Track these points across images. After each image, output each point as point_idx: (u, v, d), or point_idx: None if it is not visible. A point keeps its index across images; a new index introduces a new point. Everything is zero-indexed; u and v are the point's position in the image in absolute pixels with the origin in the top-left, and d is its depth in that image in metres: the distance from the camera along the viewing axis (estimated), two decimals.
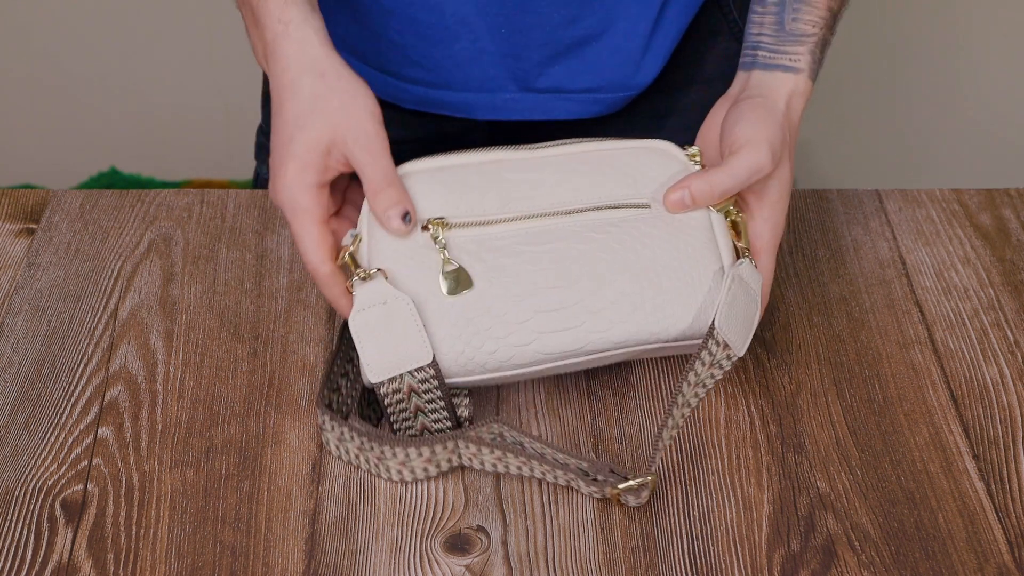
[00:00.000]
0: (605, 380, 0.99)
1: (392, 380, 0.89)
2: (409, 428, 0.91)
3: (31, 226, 1.12)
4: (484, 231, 0.92)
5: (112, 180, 2.29)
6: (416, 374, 0.89)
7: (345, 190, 0.95)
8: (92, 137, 2.27)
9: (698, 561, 0.86)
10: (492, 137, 1.17)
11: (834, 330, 1.03)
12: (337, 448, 0.92)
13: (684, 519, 0.89)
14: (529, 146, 0.96)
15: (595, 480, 0.89)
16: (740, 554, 0.87)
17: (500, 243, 0.92)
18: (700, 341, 0.91)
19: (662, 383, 0.99)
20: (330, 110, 0.92)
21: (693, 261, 0.93)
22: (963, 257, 1.10)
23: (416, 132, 1.15)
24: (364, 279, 0.90)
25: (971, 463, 0.93)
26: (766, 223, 0.96)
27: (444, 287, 0.90)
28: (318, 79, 0.93)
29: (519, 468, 0.90)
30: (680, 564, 0.86)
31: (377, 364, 0.89)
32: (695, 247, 0.93)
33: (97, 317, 1.03)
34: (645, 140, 0.98)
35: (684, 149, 0.97)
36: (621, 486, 0.88)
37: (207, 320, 1.03)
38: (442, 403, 0.90)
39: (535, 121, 1.12)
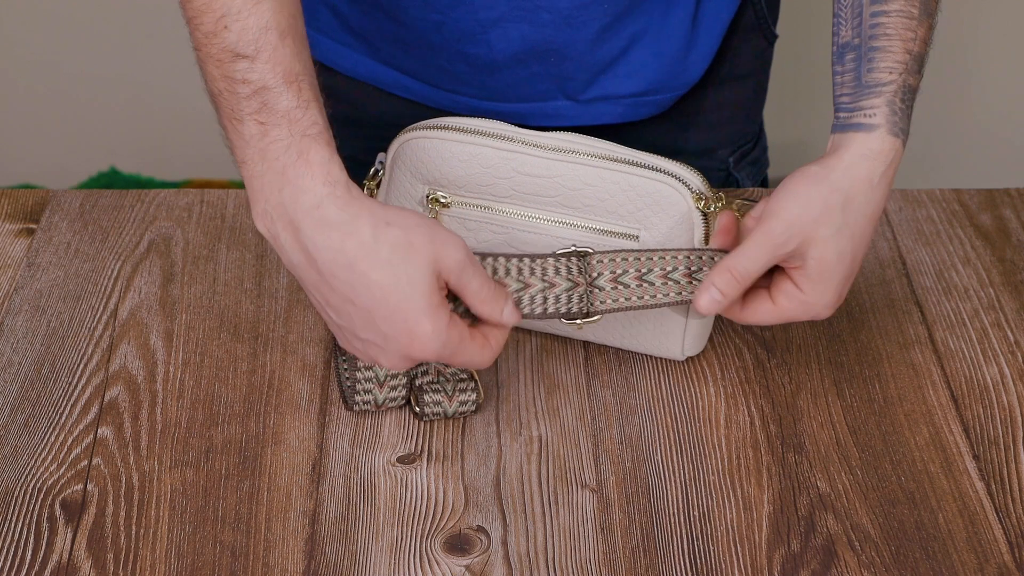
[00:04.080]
0: (605, 380, 0.99)
1: None
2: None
3: (31, 226, 1.12)
4: (486, 215, 0.97)
5: (112, 180, 2.29)
6: None
7: None
8: (92, 137, 2.27)
9: (698, 561, 0.86)
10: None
11: (834, 330, 1.03)
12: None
13: (684, 519, 0.89)
14: (547, 141, 0.95)
15: None
16: (740, 554, 0.87)
17: (495, 231, 0.97)
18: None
19: (662, 383, 0.99)
20: (421, 247, 0.83)
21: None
22: (963, 257, 1.10)
23: None
24: None
25: (971, 463, 0.93)
26: (806, 301, 0.89)
27: None
28: (386, 229, 0.83)
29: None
30: (680, 564, 0.86)
31: None
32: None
33: (97, 317, 1.03)
34: (659, 171, 0.94)
35: (699, 191, 0.94)
36: None
37: (207, 320, 1.03)
38: None
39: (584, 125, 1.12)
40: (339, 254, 0.82)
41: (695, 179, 0.94)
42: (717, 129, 1.19)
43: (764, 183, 1.28)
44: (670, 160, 0.95)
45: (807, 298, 0.89)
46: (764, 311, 0.91)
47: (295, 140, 0.83)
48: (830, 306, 0.90)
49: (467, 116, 0.98)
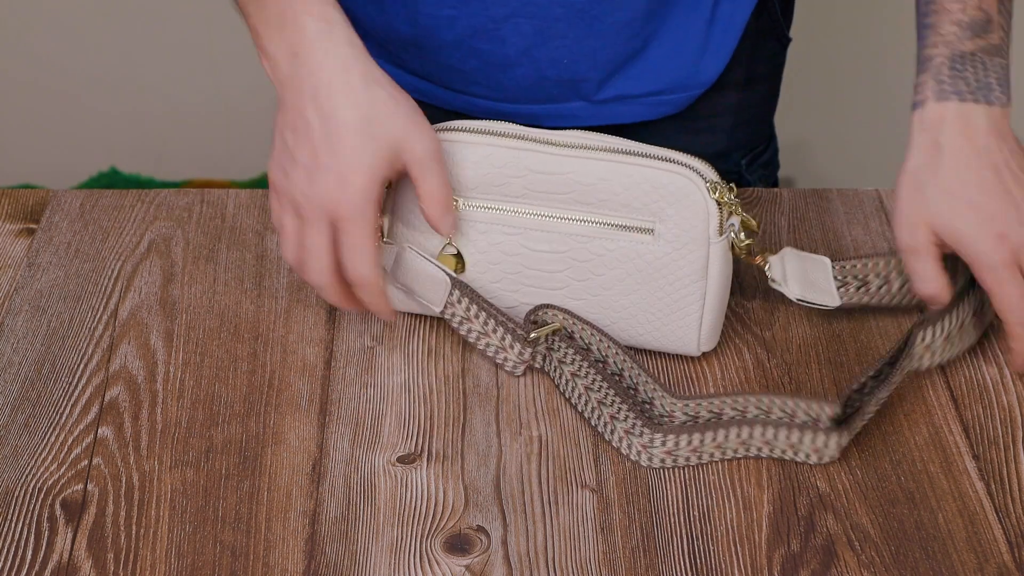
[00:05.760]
0: None
1: (446, 307, 0.98)
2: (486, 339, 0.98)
3: (31, 226, 1.12)
4: (499, 216, 0.97)
5: (112, 180, 2.29)
6: (451, 296, 0.97)
7: None
8: (92, 137, 2.27)
9: (698, 561, 0.86)
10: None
11: (834, 330, 1.03)
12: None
13: (684, 519, 0.89)
14: (558, 138, 0.96)
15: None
16: (740, 554, 0.87)
17: (508, 232, 0.97)
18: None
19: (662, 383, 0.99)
20: (399, 119, 0.92)
21: (677, 293, 0.97)
22: None
23: None
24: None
25: (971, 463, 0.93)
26: (976, 259, 0.95)
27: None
28: (375, 85, 0.93)
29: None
30: (680, 564, 0.86)
31: (433, 300, 0.98)
32: (683, 282, 0.96)
33: (97, 317, 1.03)
34: (673, 162, 0.95)
35: (713, 181, 0.95)
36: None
37: (207, 320, 1.03)
38: (487, 314, 0.97)
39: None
40: (317, 77, 0.92)
41: (708, 170, 0.95)
42: (730, 133, 1.19)
43: (775, 184, 1.28)
44: (682, 153, 0.95)
45: (971, 256, 0.94)
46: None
47: None
48: (992, 236, 0.93)
49: (478, 119, 0.98)
